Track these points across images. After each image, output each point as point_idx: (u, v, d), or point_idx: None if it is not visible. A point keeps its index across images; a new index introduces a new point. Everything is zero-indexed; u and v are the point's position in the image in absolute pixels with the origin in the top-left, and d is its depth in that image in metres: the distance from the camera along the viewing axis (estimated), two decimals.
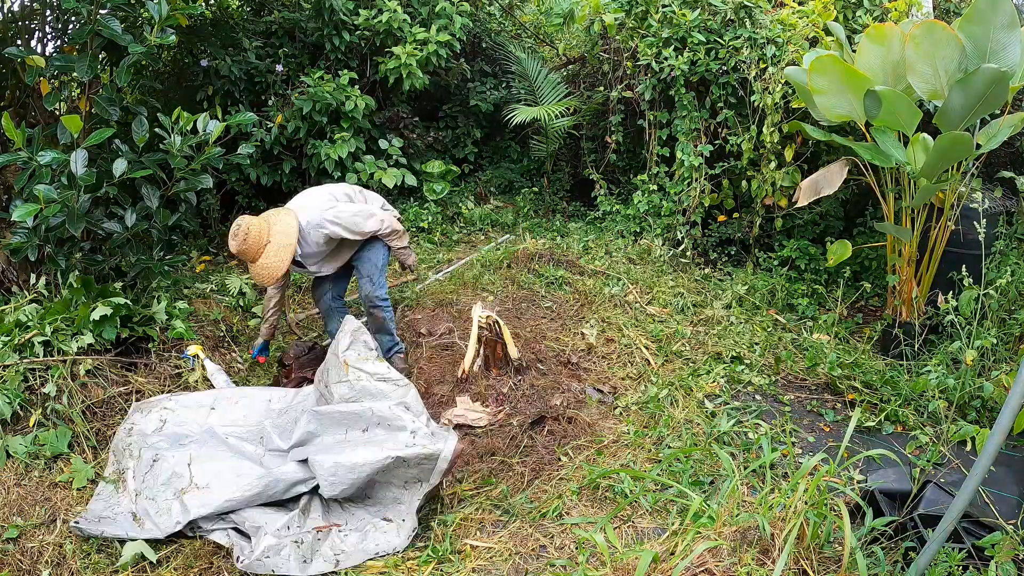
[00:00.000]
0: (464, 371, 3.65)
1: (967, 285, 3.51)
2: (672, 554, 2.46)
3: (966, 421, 3.29)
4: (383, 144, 5.77)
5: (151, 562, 2.69)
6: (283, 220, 3.51)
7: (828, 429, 3.48)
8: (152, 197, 3.89)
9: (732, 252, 5.24)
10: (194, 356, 3.80)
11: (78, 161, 3.51)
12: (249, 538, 2.76)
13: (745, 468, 2.85)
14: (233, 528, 2.82)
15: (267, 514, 2.83)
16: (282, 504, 2.92)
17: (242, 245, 3.41)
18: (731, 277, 4.96)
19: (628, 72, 5.32)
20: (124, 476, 3.04)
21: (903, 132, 3.68)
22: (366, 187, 5.69)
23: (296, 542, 2.69)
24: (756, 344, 4.07)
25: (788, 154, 4.65)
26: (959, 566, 2.30)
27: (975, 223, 3.61)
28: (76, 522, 2.81)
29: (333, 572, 2.66)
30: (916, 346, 3.79)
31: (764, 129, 4.61)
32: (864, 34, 3.77)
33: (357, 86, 5.58)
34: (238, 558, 2.65)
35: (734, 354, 3.97)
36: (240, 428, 3.22)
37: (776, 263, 4.93)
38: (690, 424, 3.44)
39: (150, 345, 3.80)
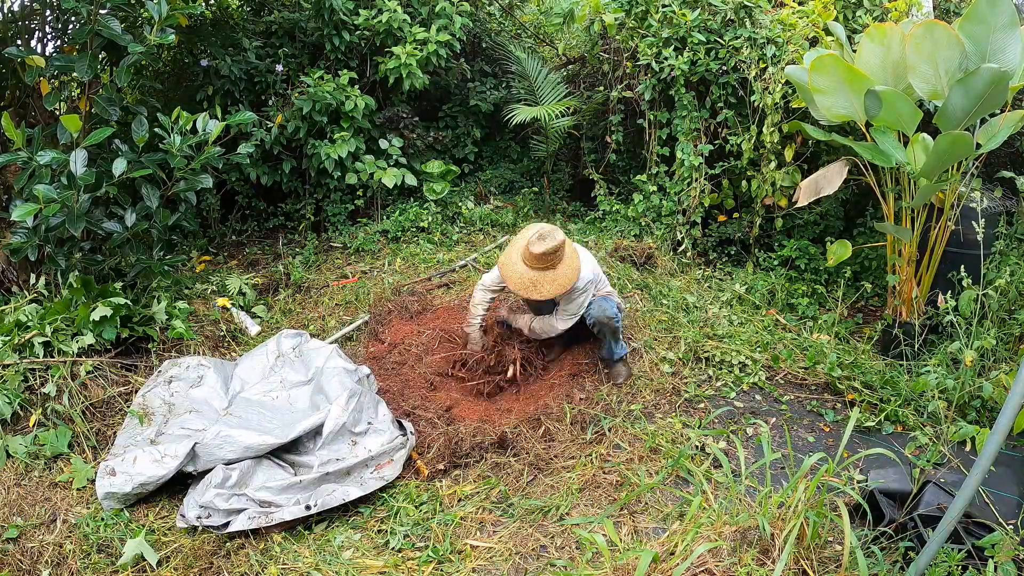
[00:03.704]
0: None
1: (967, 285, 3.51)
2: (672, 554, 2.46)
3: (966, 421, 3.29)
4: (383, 144, 5.76)
5: (151, 564, 2.69)
6: (574, 254, 3.51)
7: (828, 429, 3.48)
8: (152, 197, 3.89)
9: (732, 252, 5.24)
10: (223, 307, 4.03)
11: (78, 161, 3.51)
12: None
13: (745, 468, 2.85)
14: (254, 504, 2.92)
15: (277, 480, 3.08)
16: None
17: (553, 251, 3.36)
18: (731, 277, 4.96)
19: (628, 72, 5.32)
20: (152, 416, 3.33)
21: (903, 132, 3.68)
22: (366, 187, 5.74)
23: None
24: (756, 344, 4.07)
25: (788, 154, 4.65)
26: (959, 566, 2.30)
27: (974, 223, 3.61)
28: (106, 460, 3.08)
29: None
30: (916, 346, 3.79)
31: (764, 129, 4.61)
32: (864, 34, 3.77)
33: (357, 86, 5.58)
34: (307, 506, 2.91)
35: (734, 354, 3.97)
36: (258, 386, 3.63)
37: (776, 263, 4.93)
38: (689, 424, 3.44)
39: (150, 345, 3.81)
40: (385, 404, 3.50)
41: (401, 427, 3.35)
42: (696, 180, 5.00)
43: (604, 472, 3.12)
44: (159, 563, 2.70)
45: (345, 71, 5.57)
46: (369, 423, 3.30)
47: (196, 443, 3.08)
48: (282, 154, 5.58)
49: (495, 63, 6.66)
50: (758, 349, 4.02)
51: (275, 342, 3.84)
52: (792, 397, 3.71)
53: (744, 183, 4.95)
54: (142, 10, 4.09)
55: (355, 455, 3.12)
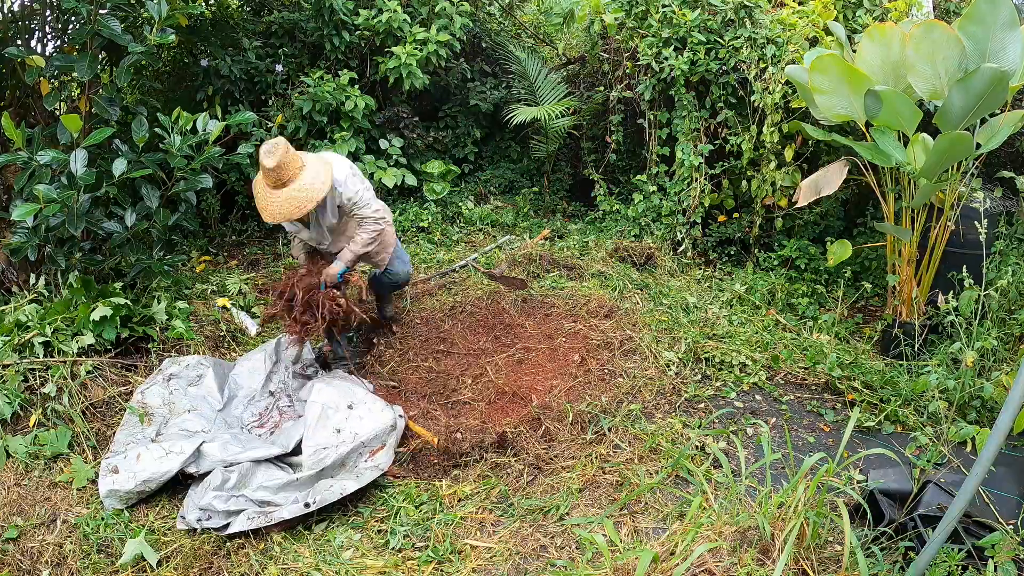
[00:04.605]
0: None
1: (968, 285, 3.51)
2: (672, 554, 2.46)
3: (966, 421, 3.29)
4: (383, 144, 5.76)
5: (151, 564, 2.69)
6: (317, 156, 3.34)
7: (828, 429, 3.48)
8: (152, 197, 3.89)
9: (732, 252, 5.24)
10: (223, 307, 4.06)
11: (78, 161, 3.51)
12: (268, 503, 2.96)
13: (745, 468, 2.85)
14: (253, 504, 2.92)
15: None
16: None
17: (282, 159, 3.07)
18: (731, 277, 4.96)
19: (628, 72, 5.32)
20: (151, 415, 3.33)
21: (903, 132, 3.69)
22: None
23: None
24: (756, 344, 4.07)
25: (788, 154, 4.65)
26: (959, 566, 2.30)
27: (976, 223, 3.61)
28: (107, 458, 3.08)
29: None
30: (916, 346, 3.80)
31: (764, 129, 4.61)
32: (864, 34, 3.77)
33: (357, 86, 5.57)
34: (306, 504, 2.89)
35: (734, 354, 3.97)
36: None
37: (776, 263, 4.93)
38: (689, 424, 3.44)
39: (150, 345, 3.81)
40: (370, 387, 3.51)
41: (390, 410, 3.35)
42: (696, 180, 5.00)
43: (604, 472, 3.12)
44: (159, 563, 2.70)
45: (345, 71, 5.57)
46: (350, 407, 3.26)
47: (203, 441, 3.09)
48: None
49: (495, 63, 6.66)
50: (758, 349, 4.02)
51: (273, 346, 3.81)
52: (792, 397, 3.71)
53: (744, 183, 4.95)
54: (142, 10, 4.09)
55: (342, 440, 3.10)
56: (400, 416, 3.32)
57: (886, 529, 2.57)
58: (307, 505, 2.86)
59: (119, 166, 3.63)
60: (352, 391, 3.35)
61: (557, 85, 6.04)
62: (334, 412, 3.21)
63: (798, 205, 4.29)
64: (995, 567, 2.21)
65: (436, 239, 5.58)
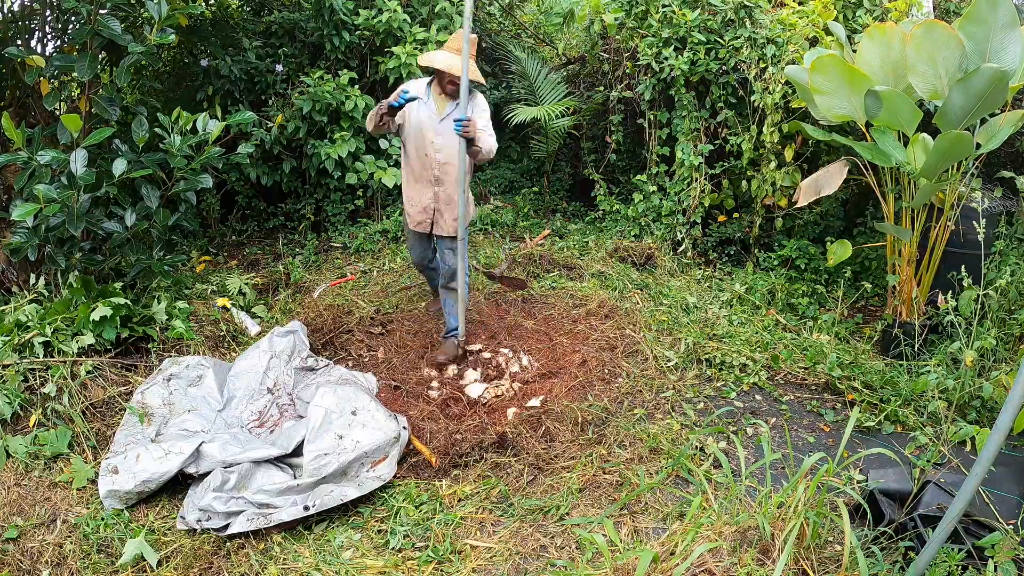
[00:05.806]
0: None
1: (967, 285, 3.51)
2: (672, 554, 2.46)
3: (966, 421, 3.29)
4: (383, 144, 5.77)
5: (151, 564, 2.69)
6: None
7: (828, 429, 3.48)
8: (152, 197, 3.89)
9: (732, 252, 5.24)
10: (223, 307, 4.08)
11: (78, 161, 3.51)
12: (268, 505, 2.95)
13: (745, 468, 2.85)
14: (253, 507, 2.91)
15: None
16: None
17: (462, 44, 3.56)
18: (731, 277, 4.96)
19: (628, 72, 5.32)
20: (151, 415, 3.35)
21: (903, 132, 3.69)
22: (366, 187, 5.74)
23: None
24: (756, 344, 4.07)
25: (788, 154, 4.65)
26: (959, 566, 2.30)
27: (974, 223, 3.62)
28: (107, 458, 3.08)
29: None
30: (916, 346, 3.80)
31: (764, 129, 4.61)
32: (864, 34, 3.77)
33: (357, 86, 5.57)
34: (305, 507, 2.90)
35: (734, 354, 3.97)
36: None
37: (776, 263, 4.93)
38: (689, 424, 3.44)
39: (150, 345, 3.81)
40: (374, 396, 3.49)
41: (394, 420, 3.34)
42: (696, 180, 5.00)
43: (604, 472, 3.12)
44: (159, 563, 2.70)
45: (345, 71, 5.57)
46: (354, 413, 3.25)
47: (203, 442, 3.09)
48: (282, 154, 5.58)
49: (495, 63, 6.66)
50: (758, 349, 4.02)
51: (267, 342, 3.83)
52: (792, 397, 3.71)
53: (744, 183, 4.95)
54: (142, 10, 4.09)
55: (344, 448, 3.09)
56: (404, 428, 3.31)
57: (886, 529, 2.58)
58: (306, 508, 2.85)
59: (119, 166, 3.63)
60: (356, 396, 3.34)
61: (557, 85, 6.04)
62: (337, 417, 3.20)
63: (798, 205, 4.29)
64: (995, 567, 2.21)
65: None
